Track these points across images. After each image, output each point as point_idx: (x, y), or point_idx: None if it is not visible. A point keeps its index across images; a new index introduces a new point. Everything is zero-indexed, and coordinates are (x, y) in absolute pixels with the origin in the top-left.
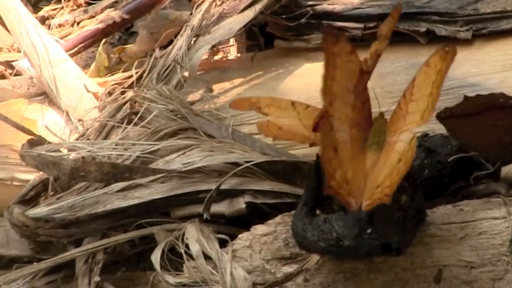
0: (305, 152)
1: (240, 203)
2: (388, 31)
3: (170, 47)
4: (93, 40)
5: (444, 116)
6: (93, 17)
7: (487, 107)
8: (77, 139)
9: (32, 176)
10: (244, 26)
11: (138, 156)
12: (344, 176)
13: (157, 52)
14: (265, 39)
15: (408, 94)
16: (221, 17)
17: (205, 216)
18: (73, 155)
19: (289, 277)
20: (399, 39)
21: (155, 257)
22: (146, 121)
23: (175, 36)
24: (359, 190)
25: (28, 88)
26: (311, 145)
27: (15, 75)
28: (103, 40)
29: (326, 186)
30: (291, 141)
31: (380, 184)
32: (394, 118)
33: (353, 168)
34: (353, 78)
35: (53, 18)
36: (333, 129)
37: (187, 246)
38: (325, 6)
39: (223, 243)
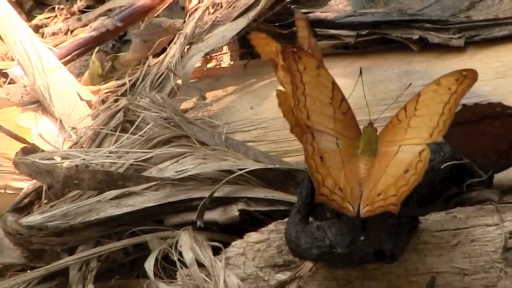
0: (298, 159)
1: (234, 211)
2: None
3: (163, 55)
4: (86, 48)
5: None
6: (87, 25)
7: (484, 116)
8: (70, 147)
9: (25, 184)
10: (237, 33)
11: (131, 164)
12: (336, 183)
13: (151, 60)
14: None
15: (410, 108)
16: (214, 25)
17: (198, 223)
18: (66, 163)
19: (283, 284)
20: (392, 46)
21: (149, 264)
22: (141, 129)
23: (169, 44)
24: (354, 196)
25: (22, 96)
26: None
27: (9, 83)
28: (97, 48)
29: (317, 194)
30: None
31: (382, 192)
32: (390, 129)
33: (346, 175)
34: (326, 91)
35: (46, 26)
36: (314, 140)
37: (180, 253)
38: (318, 14)
39: (216, 251)
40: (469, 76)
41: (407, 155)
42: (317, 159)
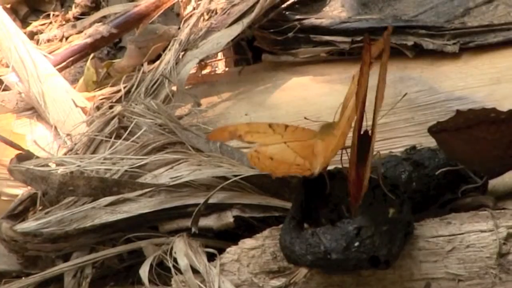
0: None
1: (228, 217)
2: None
3: (158, 62)
4: (81, 54)
5: (435, 130)
6: (82, 32)
7: (479, 121)
8: (65, 154)
9: (20, 190)
10: (232, 40)
11: (126, 171)
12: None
13: (145, 67)
14: (253, 53)
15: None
16: (209, 31)
17: (193, 230)
18: (61, 170)
19: None
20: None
21: (144, 271)
22: (135, 136)
23: (163, 51)
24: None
25: (17, 103)
26: (311, 175)
27: (4, 90)
28: (92, 55)
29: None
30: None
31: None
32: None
33: (356, 173)
34: (365, 92)
35: (41, 33)
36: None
37: (175, 260)
38: (313, 20)
39: (211, 257)
40: (365, 41)
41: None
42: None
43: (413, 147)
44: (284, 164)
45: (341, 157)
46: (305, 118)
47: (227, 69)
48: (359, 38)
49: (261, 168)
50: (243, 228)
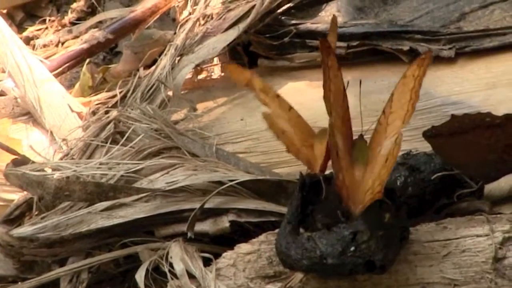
0: (289, 170)
1: (224, 222)
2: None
3: (154, 67)
4: (77, 60)
5: (430, 135)
6: (78, 37)
7: (474, 126)
8: (61, 159)
9: (16, 195)
10: (228, 45)
11: (122, 176)
12: (343, 181)
13: (141, 72)
14: (249, 58)
15: (387, 109)
16: (205, 36)
17: (189, 235)
18: (57, 175)
19: None
20: (382, 57)
21: (140, 276)
22: (131, 141)
23: (159, 56)
24: (356, 198)
25: (13, 108)
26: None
27: (0, 95)
28: (87, 60)
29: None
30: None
31: (370, 187)
32: (375, 134)
33: (349, 176)
34: (340, 94)
35: (37, 38)
36: (333, 134)
37: (171, 265)
38: (308, 25)
39: (207, 262)
40: (427, 57)
41: (387, 148)
42: (335, 153)
43: (408, 153)
44: (294, 146)
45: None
46: None
47: (223, 74)
48: (355, 43)
49: (276, 133)
50: (239, 233)
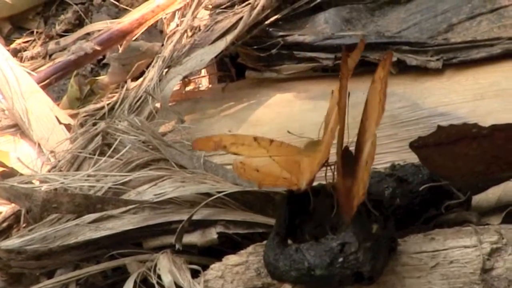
0: None
1: (212, 234)
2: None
3: (141, 79)
4: (65, 72)
5: (417, 145)
6: (65, 49)
7: (460, 137)
8: (49, 171)
9: (4, 208)
10: (216, 57)
11: (110, 187)
12: (340, 187)
13: (129, 84)
14: (236, 70)
15: (364, 117)
16: (193, 48)
17: (177, 246)
18: (45, 187)
19: None
20: (370, 69)
21: None
22: (119, 153)
23: (147, 68)
24: (347, 207)
25: (0, 120)
26: (298, 189)
27: None
28: (75, 72)
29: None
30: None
31: (355, 194)
32: (358, 145)
33: (344, 185)
34: (345, 106)
35: (25, 50)
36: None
37: (159, 276)
38: (296, 37)
39: (195, 274)
40: (388, 57)
41: (366, 150)
42: (340, 157)
43: (393, 166)
44: (271, 176)
45: (325, 173)
46: (288, 132)
47: (210, 85)
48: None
49: (247, 178)
50: (227, 245)
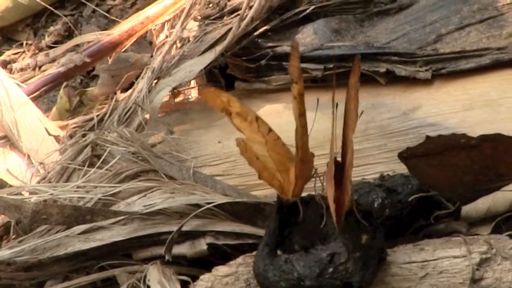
0: (266, 193)
1: (202, 245)
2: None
3: (131, 90)
4: (54, 83)
5: (405, 156)
6: (55, 60)
7: (449, 147)
8: (38, 182)
9: None
10: (205, 68)
11: (99, 199)
12: (330, 197)
13: (118, 95)
14: (226, 81)
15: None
16: (182, 59)
17: (166, 257)
18: (34, 198)
19: None
20: (359, 79)
21: None
22: (109, 164)
23: (136, 79)
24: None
25: None
26: (287, 200)
27: None
28: (64, 84)
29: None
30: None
31: (342, 204)
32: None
33: (334, 195)
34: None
35: (14, 62)
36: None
37: (148, 287)
38: (285, 48)
39: (185, 285)
40: (356, 63)
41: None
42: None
43: (383, 176)
44: (268, 171)
45: (315, 183)
46: None
47: (200, 96)
48: (331, 65)
49: (248, 159)
50: (217, 256)
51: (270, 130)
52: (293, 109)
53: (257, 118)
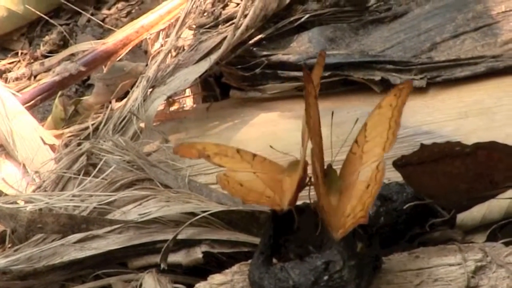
0: None
1: (197, 253)
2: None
3: (126, 99)
4: (49, 92)
5: (400, 164)
6: (50, 69)
7: (444, 155)
8: (34, 191)
9: None
10: (200, 76)
11: (95, 207)
12: (322, 206)
13: (113, 104)
14: (220, 90)
15: (361, 138)
16: (177, 68)
17: (162, 266)
18: (30, 207)
19: None
20: (354, 88)
21: None
22: (104, 173)
23: (131, 88)
24: (334, 224)
25: None
26: (280, 210)
27: None
28: (60, 93)
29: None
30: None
31: (350, 212)
32: (347, 163)
33: (326, 202)
34: (318, 122)
35: (10, 71)
36: (314, 160)
37: None
38: (280, 56)
39: None
40: (406, 87)
41: (366, 174)
42: (316, 177)
43: None
44: (254, 192)
45: (309, 192)
46: (270, 146)
47: (195, 105)
48: (326, 74)
49: (230, 191)
50: (212, 264)
51: (255, 155)
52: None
53: (238, 151)
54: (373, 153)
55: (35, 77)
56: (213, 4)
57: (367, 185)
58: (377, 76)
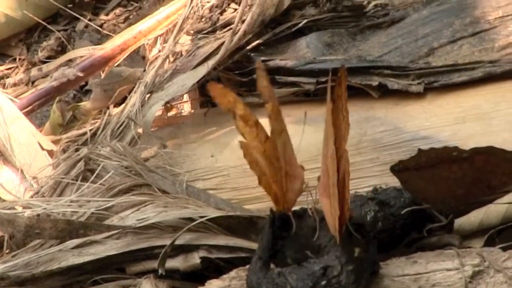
0: (259, 207)
1: (195, 258)
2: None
3: (123, 104)
4: (47, 98)
5: (397, 169)
6: (48, 75)
7: (441, 160)
8: (31, 197)
9: None
10: (198, 82)
11: (92, 213)
12: (327, 209)
13: (111, 109)
14: None
15: (327, 137)
16: (174, 73)
17: (160, 271)
18: (28, 213)
19: None
20: (352, 93)
21: None
22: (102, 178)
23: (129, 93)
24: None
25: None
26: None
27: None
28: (57, 98)
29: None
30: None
31: (341, 212)
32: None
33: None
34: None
35: (8, 77)
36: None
37: None
38: (277, 61)
39: None
40: (342, 74)
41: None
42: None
43: (375, 190)
44: (266, 177)
45: (307, 197)
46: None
47: (192, 111)
48: (324, 79)
49: (249, 162)
50: (210, 269)
51: (267, 138)
52: (271, 128)
53: (257, 124)
54: (341, 147)
55: (33, 82)
56: (210, 10)
57: (343, 179)
58: (375, 81)
